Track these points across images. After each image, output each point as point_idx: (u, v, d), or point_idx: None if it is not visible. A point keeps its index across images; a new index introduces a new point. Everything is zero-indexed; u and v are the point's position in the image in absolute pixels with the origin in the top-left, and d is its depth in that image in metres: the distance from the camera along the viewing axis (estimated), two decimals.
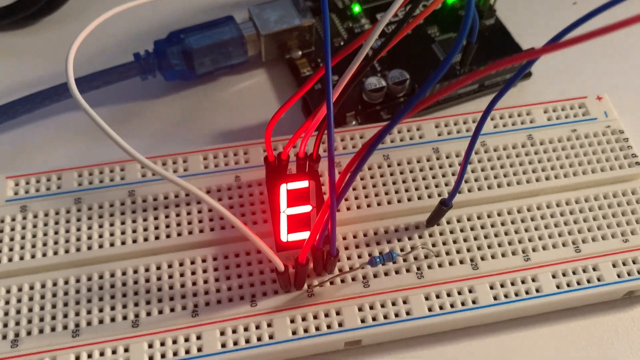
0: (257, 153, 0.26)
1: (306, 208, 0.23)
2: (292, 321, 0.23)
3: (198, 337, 0.22)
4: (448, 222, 0.25)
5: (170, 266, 0.24)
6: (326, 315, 0.23)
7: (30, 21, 0.31)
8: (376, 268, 0.24)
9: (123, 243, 0.24)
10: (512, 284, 0.24)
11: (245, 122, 0.29)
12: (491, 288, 0.23)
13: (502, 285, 0.24)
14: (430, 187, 0.26)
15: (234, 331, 0.22)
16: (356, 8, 0.32)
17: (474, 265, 0.24)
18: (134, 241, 0.24)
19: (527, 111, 0.28)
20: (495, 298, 0.23)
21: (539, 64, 0.30)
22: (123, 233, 0.24)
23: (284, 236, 0.23)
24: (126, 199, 0.25)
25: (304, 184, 0.24)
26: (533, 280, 0.24)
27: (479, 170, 0.26)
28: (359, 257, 0.24)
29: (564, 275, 0.24)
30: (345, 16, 0.32)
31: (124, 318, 0.23)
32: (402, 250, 0.24)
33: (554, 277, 0.24)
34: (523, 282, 0.24)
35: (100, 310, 0.23)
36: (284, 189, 0.24)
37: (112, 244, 0.24)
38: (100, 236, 0.24)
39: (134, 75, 0.28)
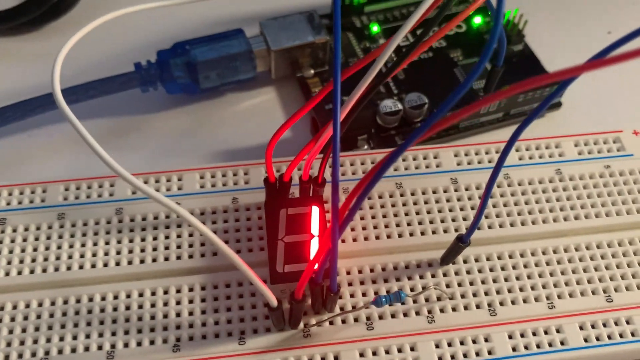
0: (259, 174, 0.24)
1: (307, 237, 0.21)
2: None
3: None
4: (465, 261, 0.22)
5: (153, 294, 0.21)
6: (323, 359, 0.20)
7: (33, 27, 0.30)
8: (382, 309, 0.21)
9: (105, 265, 0.22)
10: (534, 334, 0.21)
11: (250, 143, 0.27)
12: (510, 338, 0.21)
13: (522, 335, 0.21)
14: (447, 220, 0.23)
15: None
16: (375, 28, 0.30)
17: (492, 311, 0.21)
18: (117, 263, 0.22)
19: (555, 143, 0.25)
20: (514, 349, 0.21)
21: (570, 93, 0.28)
22: (106, 254, 0.22)
23: (280, 266, 0.21)
24: (113, 217, 0.23)
25: (305, 209, 0.22)
26: (557, 331, 0.21)
27: (501, 205, 0.24)
28: (364, 294, 0.22)
29: (593, 327, 0.21)
30: (363, 36, 0.30)
31: (99, 348, 0.20)
32: (412, 290, 0.22)
33: (581, 329, 0.21)
34: (546, 332, 0.21)
35: (74, 338, 0.20)
36: (283, 214, 0.22)
37: (93, 265, 0.22)
38: (82, 256, 0.22)
39: (133, 86, 0.26)
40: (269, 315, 0.20)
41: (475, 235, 0.22)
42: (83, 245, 0.22)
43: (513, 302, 0.22)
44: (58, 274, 0.22)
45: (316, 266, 0.19)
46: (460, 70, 0.29)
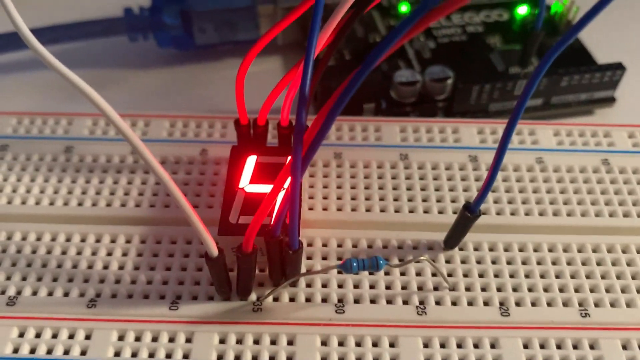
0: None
1: (275, 189, 0.17)
2: (221, 341, 0.16)
3: (87, 337, 0.16)
4: (476, 249, 0.18)
5: (83, 240, 0.18)
6: (273, 342, 0.16)
7: None
8: (359, 291, 0.16)
9: (37, 203, 0.18)
10: (559, 346, 0.16)
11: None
12: (525, 347, 0.16)
13: (542, 346, 0.16)
14: (459, 200, 0.19)
15: (137, 338, 0.16)
16: (403, 7, 0.26)
17: (504, 311, 0.16)
18: (51, 203, 0.18)
19: (604, 132, 0.21)
20: None
21: (626, 86, 0.24)
22: (42, 192, 0.19)
23: (234, 217, 0.16)
24: (60, 155, 0.20)
25: (281, 159, 0.18)
26: (592, 347, 0.16)
27: (529, 190, 0.19)
28: (340, 273, 0.17)
29: None
30: (388, 14, 0.26)
31: (2, 292, 0.16)
32: (403, 275, 0.17)
33: (625, 348, 0.16)
34: (575, 347, 0.16)
35: None
36: (251, 161, 0.18)
37: (23, 202, 0.18)
38: (14, 191, 0.19)
39: (121, 32, 0.24)
40: (209, 270, 0.15)
41: (494, 220, 0.18)
42: (19, 180, 0.19)
43: (533, 304, 0.16)
44: None
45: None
46: (496, 55, 0.24)
